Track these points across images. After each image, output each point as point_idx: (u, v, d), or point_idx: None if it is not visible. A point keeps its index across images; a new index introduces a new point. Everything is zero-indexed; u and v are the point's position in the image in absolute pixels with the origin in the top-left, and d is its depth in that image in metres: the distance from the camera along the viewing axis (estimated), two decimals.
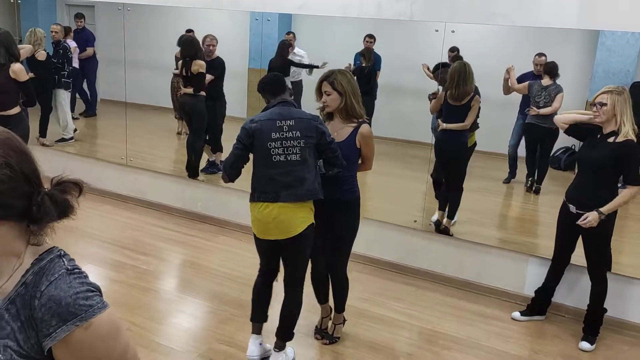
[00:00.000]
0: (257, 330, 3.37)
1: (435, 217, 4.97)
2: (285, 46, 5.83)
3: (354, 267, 4.76)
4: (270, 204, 3.02)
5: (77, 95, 7.66)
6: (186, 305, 4.09)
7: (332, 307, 3.71)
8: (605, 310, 3.76)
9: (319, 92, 3.30)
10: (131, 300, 4.04)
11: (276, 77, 3.22)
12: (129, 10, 5.99)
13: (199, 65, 5.59)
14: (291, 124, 3.00)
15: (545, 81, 5.02)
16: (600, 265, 3.69)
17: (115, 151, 6.30)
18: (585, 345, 3.71)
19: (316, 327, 3.74)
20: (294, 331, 3.34)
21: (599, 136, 3.56)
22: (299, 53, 6.08)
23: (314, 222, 3.13)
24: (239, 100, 6.31)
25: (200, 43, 5.80)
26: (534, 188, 5.37)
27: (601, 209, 3.47)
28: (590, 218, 3.48)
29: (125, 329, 1.20)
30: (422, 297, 4.35)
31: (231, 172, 3.10)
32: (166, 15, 6.82)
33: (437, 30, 4.44)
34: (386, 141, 6.16)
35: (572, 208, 3.62)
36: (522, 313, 4.07)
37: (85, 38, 7.59)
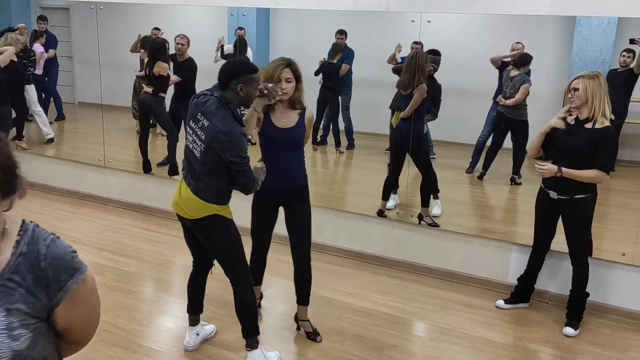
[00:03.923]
0: (193, 322, 3.46)
1: (437, 211, 4.94)
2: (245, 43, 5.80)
3: (337, 261, 4.76)
4: (180, 183, 3.10)
5: (52, 99, 7.57)
6: (168, 306, 4.04)
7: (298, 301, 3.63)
8: (588, 295, 3.78)
9: (277, 78, 3.16)
10: (112, 302, 3.97)
11: (229, 67, 2.99)
12: (102, 9, 5.90)
13: (160, 68, 5.55)
14: (205, 124, 2.87)
15: (513, 72, 5.04)
16: (581, 251, 3.71)
17: (93, 153, 6.21)
18: (569, 330, 3.72)
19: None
20: (258, 327, 3.27)
21: (573, 122, 3.57)
22: (228, 49, 6.00)
23: (219, 214, 3.00)
24: None
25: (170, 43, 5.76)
26: (516, 182, 5.37)
27: (562, 169, 3.50)
28: (549, 167, 3.54)
29: None
30: (407, 289, 4.34)
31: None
32: (142, 15, 6.75)
33: (413, 21, 4.43)
34: (364, 135, 6.16)
35: (553, 194, 3.62)
36: (506, 301, 4.08)
37: (47, 40, 7.49)
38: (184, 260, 4.68)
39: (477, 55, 5.40)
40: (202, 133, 2.89)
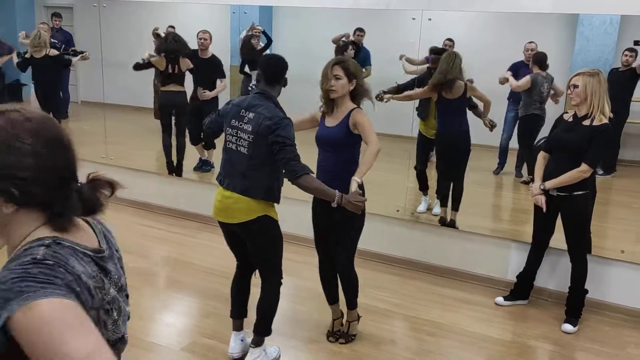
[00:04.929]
0: (237, 326, 3.32)
1: (422, 206, 4.97)
2: (249, 42, 5.80)
3: None
4: (220, 188, 3.06)
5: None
6: (169, 301, 4.07)
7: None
8: (587, 292, 3.79)
9: (328, 76, 3.13)
10: None
11: (279, 64, 3.03)
12: (105, 7, 5.94)
13: (186, 64, 5.58)
14: (251, 117, 2.92)
15: (539, 72, 5.03)
16: (580, 248, 3.72)
17: (96, 151, 6.25)
18: (567, 327, 3.74)
19: (328, 330, 3.60)
20: (272, 328, 3.23)
21: (571, 119, 3.58)
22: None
23: (268, 215, 2.99)
24: (221, 99, 6.29)
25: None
26: (521, 180, 5.38)
27: (544, 183, 3.60)
28: (535, 193, 3.65)
29: (92, 334, 1.07)
30: (407, 285, 4.36)
31: (206, 131, 3.27)
32: (145, 13, 6.78)
33: (414, 19, 4.45)
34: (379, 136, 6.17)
35: (552, 191, 3.64)
36: (506, 298, 4.09)
37: (67, 38, 7.52)
38: (186, 257, 4.73)
39: (478, 53, 5.40)
40: (249, 126, 2.91)
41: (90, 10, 6.09)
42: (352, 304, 3.51)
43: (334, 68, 3.12)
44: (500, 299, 4.09)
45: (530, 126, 5.14)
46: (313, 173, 2.94)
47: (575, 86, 3.50)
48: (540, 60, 4.99)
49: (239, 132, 2.95)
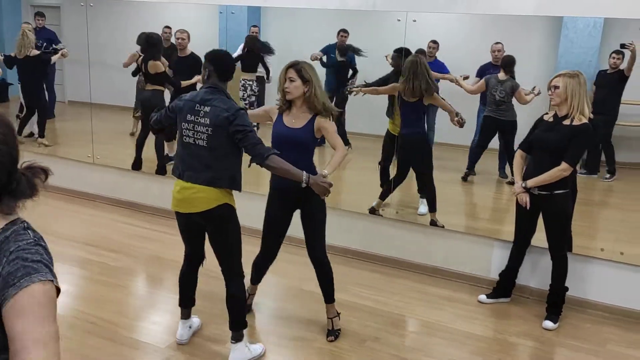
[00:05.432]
0: (186, 315, 3.51)
1: (423, 209, 4.99)
2: (254, 41, 5.83)
3: None
4: (178, 180, 3.12)
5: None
6: (154, 300, 4.08)
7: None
8: (567, 289, 3.86)
9: (283, 78, 3.31)
10: (99, 296, 4.01)
11: (231, 61, 3.21)
12: (92, 6, 5.93)
13: (156, 67, 5.57)
14: (207, 110, 3.01)
15: (501, 75, 5.08)
16: (561, 246, 3.78)
17: (83, 150, 6.24)
18: (548, 324, 3.80)
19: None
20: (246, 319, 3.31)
21: (552, 119, 3.65)
22: None
23: (228, 203, 3.10)
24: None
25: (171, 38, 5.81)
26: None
27: (526, 182, 3.68)
28: (518, 193, 3.73)
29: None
30: (390, 283, 4.40)
31: (153, 127, 3.40)
32: (133, 13, 6.76)
33: (399, 20, 4.50)
34: (354, 136, 6.20)
35: (534, 190, 3.70)
36: (488, 296, 4.14)
37: (50, 37, 7.48)
38: (172, 256, 4.72)
39: (462, 55, 5.46)
40: (206, 119, 3.00)
41: (78, 10, 6.08)
42: (331, 297, 3.60)
43: (288, 71, 3.29)
44: (483, 297, 4.14)
45: (482, 126, 5.29)
46: (279, 153, 3.06)
47: (556, 87, 3.56)
48: (505, 64, 5.01)
49: (196, 126, 3.03)
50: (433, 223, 4.70)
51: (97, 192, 6.06)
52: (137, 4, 6.20)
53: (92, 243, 4.92)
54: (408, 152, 4.75)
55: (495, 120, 5.12)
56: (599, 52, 4.99)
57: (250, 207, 4.04)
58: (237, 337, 3.28)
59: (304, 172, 3.07)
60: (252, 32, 5.95)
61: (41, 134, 6.86)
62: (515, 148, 4.50)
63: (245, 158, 3.12)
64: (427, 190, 4.79)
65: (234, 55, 5.86)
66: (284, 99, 3.36)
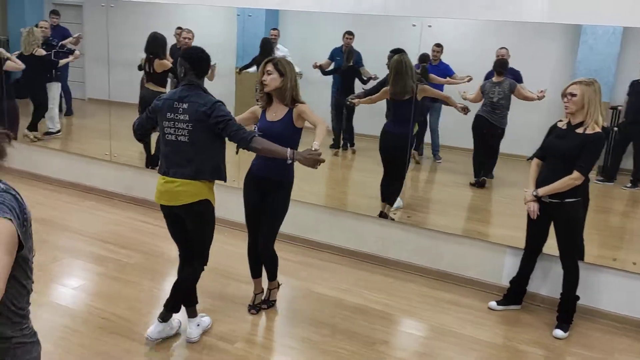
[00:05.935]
0: (191, 314, 3.58)
1: (399, 203, 5.05)
2: (268, 43, 5.87)
3: (332, 258, 4.83)
4: (162, 177, 3.24)
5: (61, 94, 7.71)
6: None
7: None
8: (578, 298, 3.84)
9: (262, 72, 3.49)
10: (112, 291, 4.07)
11: (208, 59, 3.27)
12: (112, 7, 6.03)
13: (162, 65, 5.67)
14: (185, 107, 3.12)
15: (496, 78, 5.12)
16: (572, 254, 3.76)
17: (100, 148, 6.33)
18: (558, 332, 3.78)
19: (249, 304, 3.92)
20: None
21: (565, 127, 3.64)
22: (282, 50, 6.12)
23: (209, 199, 3.25)
24: (227, 101, 6.34)
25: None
26: (483, 183, 5.49)
27: (537, 190, 3.68)
28: (528, 202, 3.73)
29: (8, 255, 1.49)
30: (401, 287, 4.41)
31: (135, 132, 3.47)
32: (154, 14, 6.85)
33: (414, 25, 4.51)
34: (364, 138, 6.23)
35: (545, 197, 3.69)
36: (499, 302, 4.14)
37: (65, 35, 7.60)
38: None
39: (478, 60, 5.45)
40: (185, 115, 3.12)
41: (99, 10, 6.19)
42: (273, 276, 3.89)
43: (265, 65, 3.48)
44: (493, 304, 4.14)
45: (474, 125, 5.35)
46: (261, 133, 3.27)
47: (573, 95, 3.55)
48: (496, 66, 5.15)
49: (176, 123, 3.14)
50: (384, 216, 4.86)
51: (113, 189, 6.14)
52: (156, 5, 6.28)
53: (107, 240, 5.00)
54: (391, 152, 4.89)
55: (486, 121, 5.24)
56: (617, 59, 4.95)
57: (229, 200, 4.16)
58: (193, 313, 3.53)
59: (288, 149, 3.16)
60: (272, 35, 6.00)
61: (30, 128, 6.95)
62: (497, 153, 4.77)
63: (231, 147, 3.29)
64: (396, 186, 4.95)
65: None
66: (262, 92, 3.52)
